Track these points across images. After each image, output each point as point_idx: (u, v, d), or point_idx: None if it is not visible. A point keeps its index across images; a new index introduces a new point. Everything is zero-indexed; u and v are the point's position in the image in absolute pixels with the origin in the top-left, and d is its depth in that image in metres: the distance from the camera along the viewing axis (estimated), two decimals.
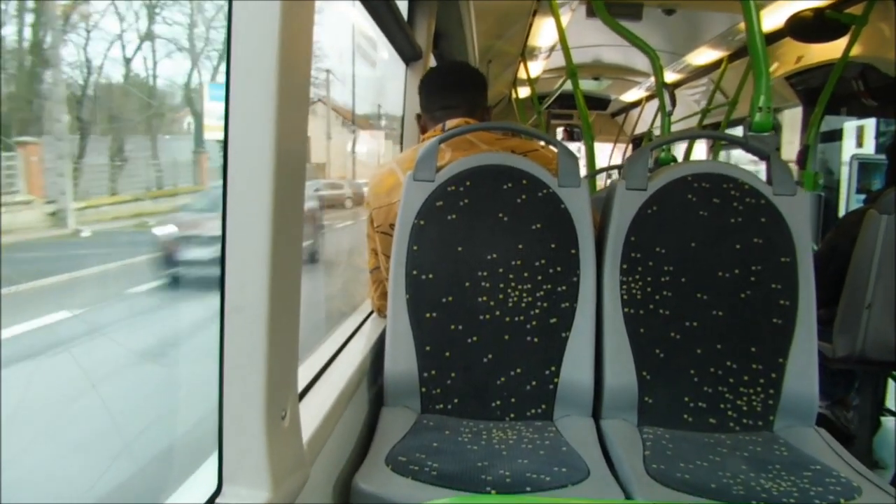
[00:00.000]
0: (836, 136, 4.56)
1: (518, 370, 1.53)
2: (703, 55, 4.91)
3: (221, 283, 0.85)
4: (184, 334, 3.87)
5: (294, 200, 0.89)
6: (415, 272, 1.54)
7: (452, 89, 1.88)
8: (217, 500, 0.87)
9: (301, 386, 1.24)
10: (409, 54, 2.57)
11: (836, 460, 1.34)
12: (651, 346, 1.54)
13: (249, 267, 0.83)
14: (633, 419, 1.52)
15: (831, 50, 3.47)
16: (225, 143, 0.83)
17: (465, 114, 1.83)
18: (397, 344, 1.53)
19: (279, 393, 0.89)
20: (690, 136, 4.55)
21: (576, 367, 1.53)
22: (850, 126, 4.68)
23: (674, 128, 4.47)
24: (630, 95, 7.36)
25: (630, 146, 7.89)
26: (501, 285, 1.54)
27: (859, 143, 4.92)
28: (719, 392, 1.52)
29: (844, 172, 4.57)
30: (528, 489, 1.19)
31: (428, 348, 1.53)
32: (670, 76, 5.54)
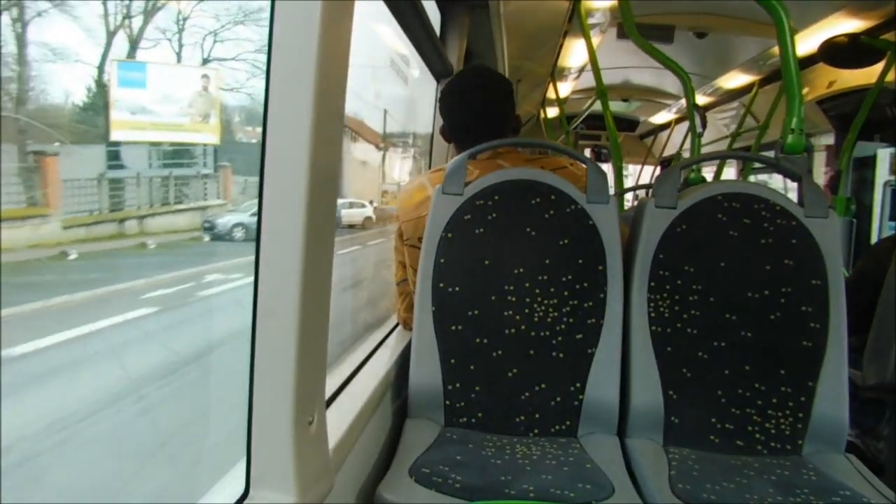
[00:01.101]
0: (868, 162, 4.50)
1: (543, 385, 1.53)
2: (735, 79, 4.88)
3: (255, 289, 0.87)
4: None
5: (327, 210, 0.91)
6: (441, 285, 1.55)
7: (477, 131, 1.78)
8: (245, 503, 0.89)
9: (327, 395, 1.25)
10: (440, 71, 2.60)
11: (867, 487, 1.31)
12: (678, 365, 1.52)
13: (282, 274, 0.85)
14: (659, 439, 1.51)
15: (865, 75, 3.44)
16: (262, 155, 0.85)
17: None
18: (422, 356, 1.54)
19: (307, 399, 0.90)
20: (720, 157, 4.51)
21: (601, 384, 1.52)
22: (883, 153, 4.62)
23: (703, 150, 4.44)
24: (659, 118, 7.34)
25: (658, 168, 7.86)
26: (528, 300, 1.54)
27: (894, 171, 4.84)
28: (747, 414, 1.50)
29: (877, 198, 4.51)
30: None
31: (453, 361, 1.53)
32: (700, 99, 5.51)
